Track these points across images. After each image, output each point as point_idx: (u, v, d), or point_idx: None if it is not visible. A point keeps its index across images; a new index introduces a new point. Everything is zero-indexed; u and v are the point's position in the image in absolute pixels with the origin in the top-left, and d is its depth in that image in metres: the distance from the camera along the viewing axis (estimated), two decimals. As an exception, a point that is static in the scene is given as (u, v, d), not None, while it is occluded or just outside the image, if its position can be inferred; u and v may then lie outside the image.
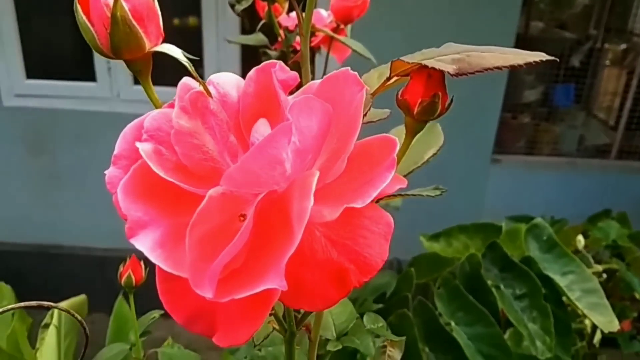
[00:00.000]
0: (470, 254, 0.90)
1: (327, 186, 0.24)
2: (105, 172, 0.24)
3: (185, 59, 0.27)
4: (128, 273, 0.60)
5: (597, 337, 1.31)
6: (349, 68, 0.26)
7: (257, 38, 0.68)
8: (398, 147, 0.24)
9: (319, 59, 0.72)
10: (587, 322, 1.32)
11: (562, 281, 0.97)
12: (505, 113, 2.32)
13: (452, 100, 0.28)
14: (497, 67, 0.25)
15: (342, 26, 0.66)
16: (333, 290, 0.24)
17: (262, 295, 0.22)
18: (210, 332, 0.25)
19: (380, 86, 0.31)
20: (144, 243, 0.23)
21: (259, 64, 0.28)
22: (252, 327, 0.23)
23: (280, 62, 0.29)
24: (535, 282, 0.91)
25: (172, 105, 0.28)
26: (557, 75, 2.37)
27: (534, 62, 0.26)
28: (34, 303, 0.41)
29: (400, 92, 0.29)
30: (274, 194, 0.24)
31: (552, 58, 0.26)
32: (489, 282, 0.92)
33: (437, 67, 0.26)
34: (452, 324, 0.87)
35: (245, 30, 1.97)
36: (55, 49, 2.24)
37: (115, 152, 0.25)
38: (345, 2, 0.64)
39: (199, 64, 1.95)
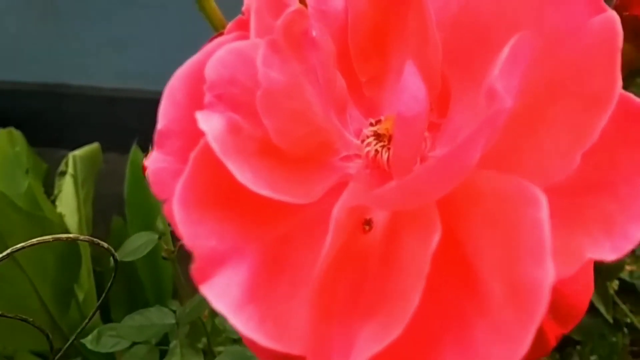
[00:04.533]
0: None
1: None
2: (145, 162, 0.14)
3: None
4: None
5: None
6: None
7: None
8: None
9: None
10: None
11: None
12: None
13: None
14: None
15: None
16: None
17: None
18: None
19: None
20: (226, 298, 0.13)
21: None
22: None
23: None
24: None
25: (240, 25, 0.16)
26: None
27: None
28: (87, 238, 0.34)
29: (620, 2, 0.17)
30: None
31: None
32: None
33: None
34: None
35: None
36: None
37: (159, 125, 0.14)
38: None
39: None
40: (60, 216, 1.24)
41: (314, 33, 0.15)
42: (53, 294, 0.94)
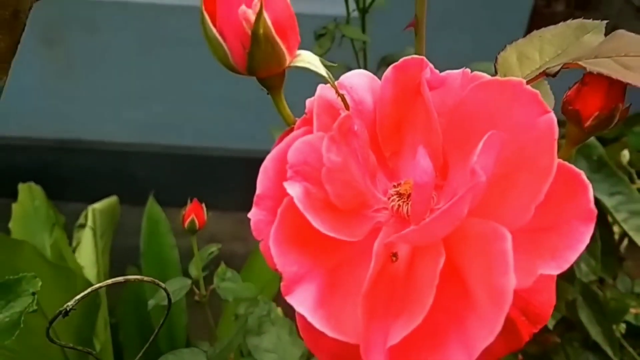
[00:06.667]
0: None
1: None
2: (249, 215, 0.21)
3: (324, 69, 0.23)
4: (191, 217, 0.58)
5: (624, 244, 1.32)
6: (523, 81, 0.22)
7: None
8: (590, 187, 0.21)
9: None
10: (615, 229, 1.33)
11: (609, 202, 0.95)
12: (539, 0, 2.17)
13: (628, 109, 0.24)
14: None
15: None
16: (502, 344, 0.22)
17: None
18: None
19: (532, 80, 0.27)
20: (304, 303, 0.20)
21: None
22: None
23: (425, 60, 0.24)
24: (584, 205, 0.89)
25: (305, 122, 0.24)
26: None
27: None
28: (124, 279, 0.39)
29: (567, 99, 0.25)
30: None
31: None
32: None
33: (629, 81, 0.22)
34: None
35: None
36: None
37: (257, 191, 0.21)
38: None
39: None
40: (81, 267, 1.29)
41: (355, 127, 0.23)
42: (74, 344, 0.99)
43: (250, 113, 1.48)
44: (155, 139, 2.17)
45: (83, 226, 1.40)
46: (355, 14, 0.77)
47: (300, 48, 0.24)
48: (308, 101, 0.24)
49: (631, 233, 0.94)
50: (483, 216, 0.21)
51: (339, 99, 0.23)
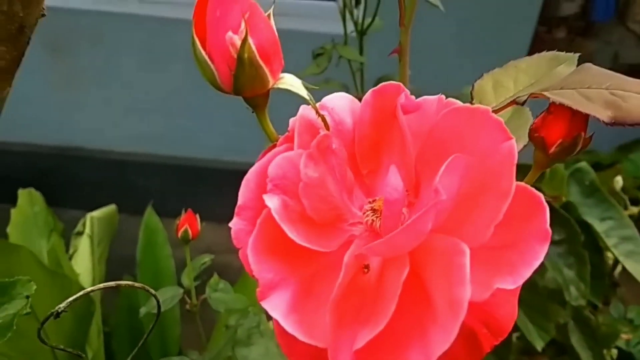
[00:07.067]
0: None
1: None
2: (230, 224, 0.23)
3: (306, 92, 0.24)
4: (185, 227, 0.60)
5: (618, 270, 1.33)
6: (489, 109, 0.24)
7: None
8: (547, 209, 0.22)
9: None
10: (609, 254, 1.34)
11: (600, 227, 0.97)
12: (540, 26, 2.20)
13: (591, 138, 0.26)
14: (661, 123, 0.22)
15: None
16: (464, 354, 0.23)
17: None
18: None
19: (504, 107, 0.28)
20: (278, 308, 0.22)
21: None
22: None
23: (402, 86, 0.26)
24: (574, 229, 0.91)
25: (287, 139, 0.25)
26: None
27: None
28: (116, 284, 0.41)
29: (534, 126, 0.26)
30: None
31: None
32: (527, 226, 0.92)
33: (588, 112, 0.23)
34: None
35: None
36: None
37: (239, 202, 0.23)
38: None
39: None
40: (77, 274, 1.30)
41: (334, 146, 0.24)
42: (67, 353, 0.99)
43: (248, 128, 1.50)
44: (155, 150, 2.20)
45: (81, 233, 1.41)
46: (353, 34, 0.79)
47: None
48: (291, 120, 0.25)
49: (621, 258, 0.95)
50: (448, 233, 0.22)
51: (319, 119, 0.24)
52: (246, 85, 0.23)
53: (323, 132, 0.24)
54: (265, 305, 0.22)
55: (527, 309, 0.93)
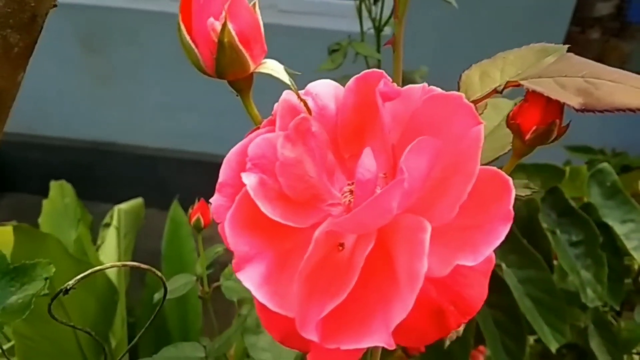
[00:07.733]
0: (529, 199, 0.88)
1: (432, 232, 0.23)
2: (211, 200, 0.24)
3: (288, 78, 0.26)
4: (197, 216, 0.62)
5: (644, 274, 1.30)
6: (463, 95, 0.24)
7: None
8: (513, 192, 0.23)
9: None
10: (635, 260, 1.31)
11: (621, 229, 0.95)
12: (573, 27, 2.17)
13: (567, 126, 0.26)
14: (631, 109, 0.23)
15: None
16: (431, 330, 0.24)
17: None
18: (305, 349, 0.26)
19: (485, 96, 0.29)
20: (251, 279, 0.23)
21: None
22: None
23: (384, 73, 0.27)
24: (593, 230, 0.89)
25: (271, 122, 0.27)
26: (636, -14, 2.17)
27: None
28: (122, 264, 0.43)
29: (511, 114, 0.27)
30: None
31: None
32: (545, 226, 0.91)
33: (559, 99, 0.24)
34: (503, 266, 0.88)
35: None
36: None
37: (219, 179, 0.25)
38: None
39: None
40: (102, 264, 1.33)
41: (313, 128, 0.26)
42: (90, 338, 1.03)
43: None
44: (185, 147, 2.24)
45: (108, 225, 1.45)
46: (370, 31, 0.80)
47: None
48: (276, 105, 0.27)
49: (641, 262, 0.93)
50: (417, 213, 0.23)
51: (302, 103, 0.26)
52: (227, 68, 0.24)
53: (302, 115, 0.25)
54: (240, 276, 0.23)
55: (543, 309, 0.92)
